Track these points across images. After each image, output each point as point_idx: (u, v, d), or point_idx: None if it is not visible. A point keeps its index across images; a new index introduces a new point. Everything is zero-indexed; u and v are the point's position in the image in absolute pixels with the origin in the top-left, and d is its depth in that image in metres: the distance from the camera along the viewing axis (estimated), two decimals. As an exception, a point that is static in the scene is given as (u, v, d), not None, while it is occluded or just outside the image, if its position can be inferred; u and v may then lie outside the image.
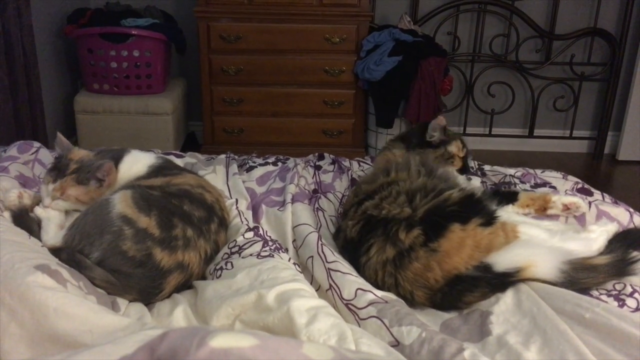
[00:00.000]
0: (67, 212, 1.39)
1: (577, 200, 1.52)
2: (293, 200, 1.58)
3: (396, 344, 1.07)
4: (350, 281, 1.23)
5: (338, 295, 1.21)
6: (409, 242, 1.26)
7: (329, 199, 1.68)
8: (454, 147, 1.67)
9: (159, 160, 1.50)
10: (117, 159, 1.44)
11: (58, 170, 1.39)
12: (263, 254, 1.30)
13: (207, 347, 0.60)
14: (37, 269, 1.05)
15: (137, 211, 1.24)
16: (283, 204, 1.58)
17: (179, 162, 1.81)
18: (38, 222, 1.33)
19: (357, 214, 1.38)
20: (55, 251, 1.21)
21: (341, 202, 1.68)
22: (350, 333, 1.04)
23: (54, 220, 1.33)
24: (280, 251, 1.35)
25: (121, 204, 1.24)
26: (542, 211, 1.51)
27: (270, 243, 1.36)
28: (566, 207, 1.51)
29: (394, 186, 1.38)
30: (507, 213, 1.44)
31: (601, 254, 1.30)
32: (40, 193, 1.45)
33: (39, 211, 1.36)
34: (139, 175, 1.43)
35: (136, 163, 1.46)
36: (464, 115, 3.85)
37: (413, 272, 1.24)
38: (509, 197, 1.53)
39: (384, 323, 1.11)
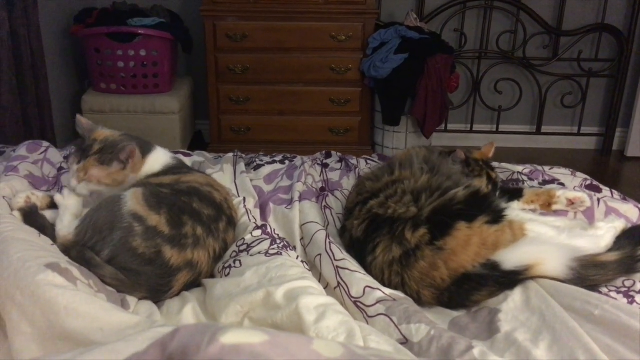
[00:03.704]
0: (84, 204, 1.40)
1: (582, 195, 1.51)
2: (301, 199, 1.58)
3: (405, 342, 1.07)
4: (359, 279, 1.23)
5: (346, 293, 1.21)
6: (415, 242, 1.26)
7: (336, 197, 1.68)
8: (477, 184, 1.52)
9: (173, 161, 1.50)
10: (145, 150, 1.44)
11: (82, 151, 1.39)
12: (271, 252, 1.30)
13: (218, 344, 0.61)
14: (47, 267, 1.06)
15: (148, 209, 1.24)
16: (291, 202, 1.58)
17: (187, 160, 1.81)
18: (50, 220, 1.34)
19: (362, 212, 1.38)
20: (65, 249, 1.22)
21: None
22: (358, 330, 1.05)
23: (71, 210, 1.34)
24: (288, 249, 1.35)
25: (132, 201, 1.25)
26: (547, 206, 1.51)
27: (278, 241, 1.37)
28: (571, 202, 1.50)
29: (399, 185, 1.37)
30: (514, 211, 1.43)
31: (610, 250, 1.29)
32: (49, 194, 1.47)
33: (57, 198, 1.37)
34: (153, 172, 1.43)
35: (157, 161, 1.46)
36: (471, 113, 3.83)
37: (419, 271, 1.24)
38: (514, 193, 1.52)
39: (392, 321, 1.11)
